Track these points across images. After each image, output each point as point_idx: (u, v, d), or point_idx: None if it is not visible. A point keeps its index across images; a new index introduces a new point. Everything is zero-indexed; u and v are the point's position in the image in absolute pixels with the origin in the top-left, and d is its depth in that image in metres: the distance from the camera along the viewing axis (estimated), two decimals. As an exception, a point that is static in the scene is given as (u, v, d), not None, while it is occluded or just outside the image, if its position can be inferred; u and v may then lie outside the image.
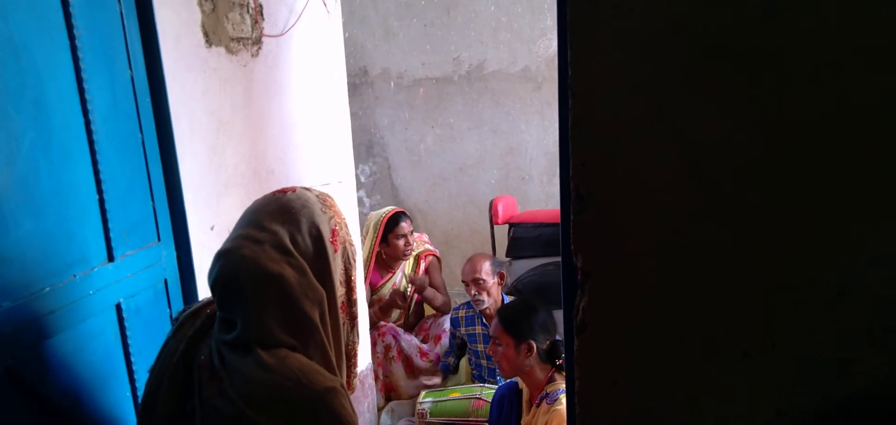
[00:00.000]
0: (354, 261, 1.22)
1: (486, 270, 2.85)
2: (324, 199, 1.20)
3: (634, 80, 0.79)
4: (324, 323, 1.12)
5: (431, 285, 3.37)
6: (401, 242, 3.22)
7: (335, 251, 1.16)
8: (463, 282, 2.93)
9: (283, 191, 1.20)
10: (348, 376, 1.24)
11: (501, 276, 2.94)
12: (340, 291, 1.18)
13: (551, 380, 2.03)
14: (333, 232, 1.17)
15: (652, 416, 0.88)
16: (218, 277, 1.10)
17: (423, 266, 3.36)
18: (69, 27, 1.38)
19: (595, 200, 0.83)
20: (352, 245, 1.22)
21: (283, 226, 1.12)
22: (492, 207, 3.58)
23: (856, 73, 0.73)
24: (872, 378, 0.79)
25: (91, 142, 1.44)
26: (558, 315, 1.39)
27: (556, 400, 1.96)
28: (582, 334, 0.88)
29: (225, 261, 1.10)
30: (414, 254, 3.35)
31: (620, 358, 0.88)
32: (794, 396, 0.82)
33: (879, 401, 0.80)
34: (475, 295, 2.84)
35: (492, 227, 3.67)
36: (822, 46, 0.73)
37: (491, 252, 3.74)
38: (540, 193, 4.31)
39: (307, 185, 1.27)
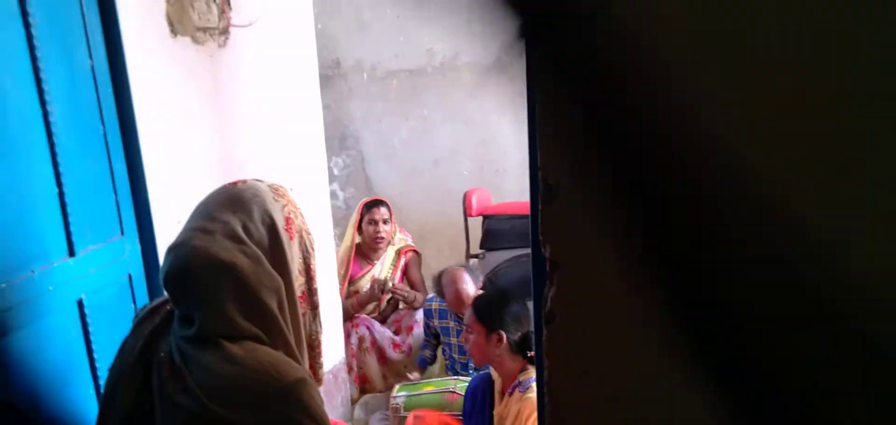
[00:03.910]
0: (313, 249, 1.21)
1: (470, 296, 2.81)
2: (275, 189, 1.19)
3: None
4: (282, 312, 1.10)
5: (410, 281, 3.35)
6: (371, 228, 3.20)
7: (291, 239, 1.15)
8: (445, 300, 2.89)
9: (234, 183, 1.18)
10: (314, 367, 1.22)
11: None
12: (300, 281, 1.17)
13: (524, 371, 2.04)
14: (288, 220, 1.15)
15: (621, 406, 0.88)
16: (170, 271, 1.07)
17: (402, 261, 3.35)
18: (24, 14, 1.33)
19: (562, 189, 0.82)
20: (309, 233, 1.20)
21: (235, 215, 1.10)
22: (465, 199, 3.57)
23: (810, 62, 0.73)
24: (820, 358, 0.80)
25: (50, 134, 1.40)
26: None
27: (528, 388, 1.96)
28: (551, 324, 0.87)
29: (176, 254, 1.07)
30: (395, 249, 3.33)
31: (589, 348, 0.87)
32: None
33: (824, 380, 0.81)
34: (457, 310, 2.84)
35: (466, 220, 3.66)
36: (779, 36, 0.73)
37: (465, 244, 3.73)
38: (514, 185, 4.31)
39: (260, 178, 1.25)
